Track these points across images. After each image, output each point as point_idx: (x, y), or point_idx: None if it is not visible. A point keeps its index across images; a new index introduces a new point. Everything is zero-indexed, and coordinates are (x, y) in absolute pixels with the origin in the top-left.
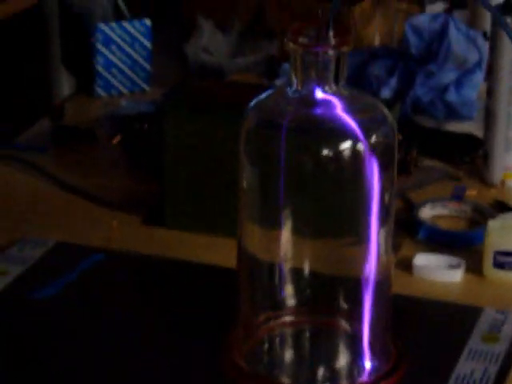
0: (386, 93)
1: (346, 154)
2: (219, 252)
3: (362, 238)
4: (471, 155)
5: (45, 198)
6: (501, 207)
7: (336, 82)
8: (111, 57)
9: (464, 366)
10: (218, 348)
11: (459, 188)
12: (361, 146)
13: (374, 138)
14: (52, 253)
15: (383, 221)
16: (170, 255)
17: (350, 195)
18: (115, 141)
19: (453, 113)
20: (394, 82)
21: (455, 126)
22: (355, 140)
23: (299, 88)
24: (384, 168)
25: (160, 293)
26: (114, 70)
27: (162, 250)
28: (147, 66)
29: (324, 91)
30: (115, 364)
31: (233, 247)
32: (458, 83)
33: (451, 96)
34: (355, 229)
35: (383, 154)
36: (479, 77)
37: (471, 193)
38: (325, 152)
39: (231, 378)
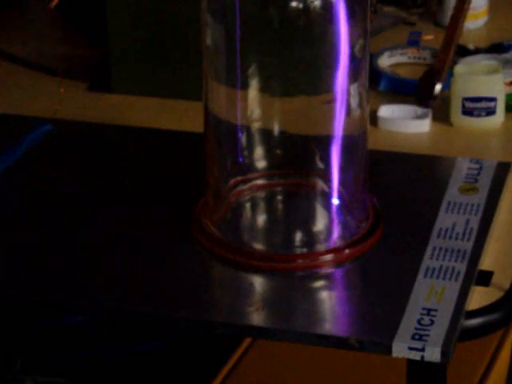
0: None
1: (316, 4)
2: (171, 116)
3: (334, 94)
4: None
5: None
6: (460, 51)
7: None
8: None
9: (445, 219)
10: (187, 217)
11: (414, 33)
12: None
13: None
14: None
15: (356, 74)
16: (120, 122)
17: (320, 49)
18: (53, 4)
19: None
20: None
21: None
22: None
23: None
24: (356, 17)
25: (117, 162)
26: None
27: (111, 116)
28: None
29: None
30: (78, 241)
31: (183, 110)
32: None
33: None
34: (327, 84)
35: (354, 2)
36: None
37: (427, 37)
38: (292, 3)
39: (204, 246)
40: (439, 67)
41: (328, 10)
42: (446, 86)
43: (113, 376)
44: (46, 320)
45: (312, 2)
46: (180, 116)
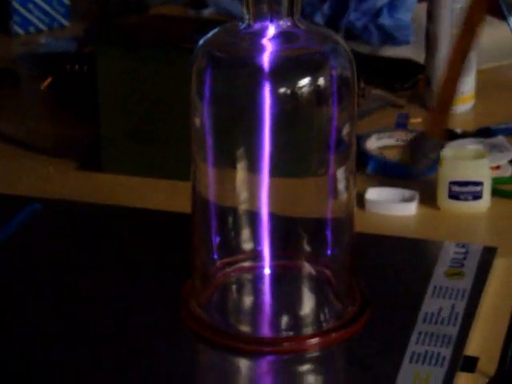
0: (318, 19)
1: (304, 90)
2: (160, 196)
3: (321, 177)
4: (412, 81)
5: None
6: (447, 135)
7: (291, 15)
8: None
9: (430, 304)
10: (174, 298)
11: (402, 116)
12: (318, 81)
13: (331, 72)
14: None
15: (344, 158)
16: (109, 201)
17: (309, 132)
18: (45, 84)
19: (388, 37)
20: (326, 7)
21: (392, 51)
22: (312, 75)
23: (251, 23)
24: (343, 102)
25: (106, 242)
26: (31, 6)
27: (100, 195)
28: None
29: (278, 25)
30: (66, 321)
31: (172, 190)
32: (392, 6)
33: (385, 20)
34: (314, 167)
35: (342, 87)
36: None
37: (416, 120)
38: (281, 89)
39: (191, 328)
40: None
41: (316, 95)
42: (433, 169)
43: None
44: None
45: (300, 87)
46: (169, 196)
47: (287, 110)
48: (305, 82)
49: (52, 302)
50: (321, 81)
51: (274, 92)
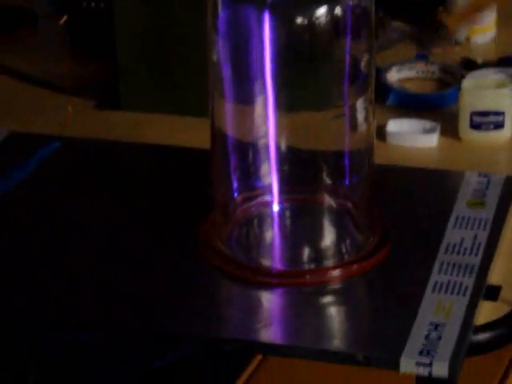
0: None
1: (322, 20)
2: (179, 132)
3: (340, 109)
4: (433, 13)
5: None
6: (468, 65)
7: None
8: None
9: (453, 234)
10: (196, 233)
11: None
12: (336, 11)
13: (349, 1)
14: (6, 144)
15: (363, 89)
16: (128, 139)
17: (326, 65)
18: (62, 21)
19: None
20: None
21: None
22: (330, 5)
23: None
24: (361, 32)
25: (126, 179)
26: None
27: (119, 133)
28: None
29: None
30: (87, 258)
31: (191, 126)
32: None
33: None
34: (333, 100)
35: (359, 17)
36: None
37: (436, 51)
38: (298, 19)
39: (211, 263)
40: None
41: (333, 25)
42: (454, 100)
43: None
44: (59, 339)
45: (317, 18)
46: (189, 133)
47: (304, 41)
48: (321, 11)
49: (72, 237)
50: (337, 10)
51: (290, 23)
